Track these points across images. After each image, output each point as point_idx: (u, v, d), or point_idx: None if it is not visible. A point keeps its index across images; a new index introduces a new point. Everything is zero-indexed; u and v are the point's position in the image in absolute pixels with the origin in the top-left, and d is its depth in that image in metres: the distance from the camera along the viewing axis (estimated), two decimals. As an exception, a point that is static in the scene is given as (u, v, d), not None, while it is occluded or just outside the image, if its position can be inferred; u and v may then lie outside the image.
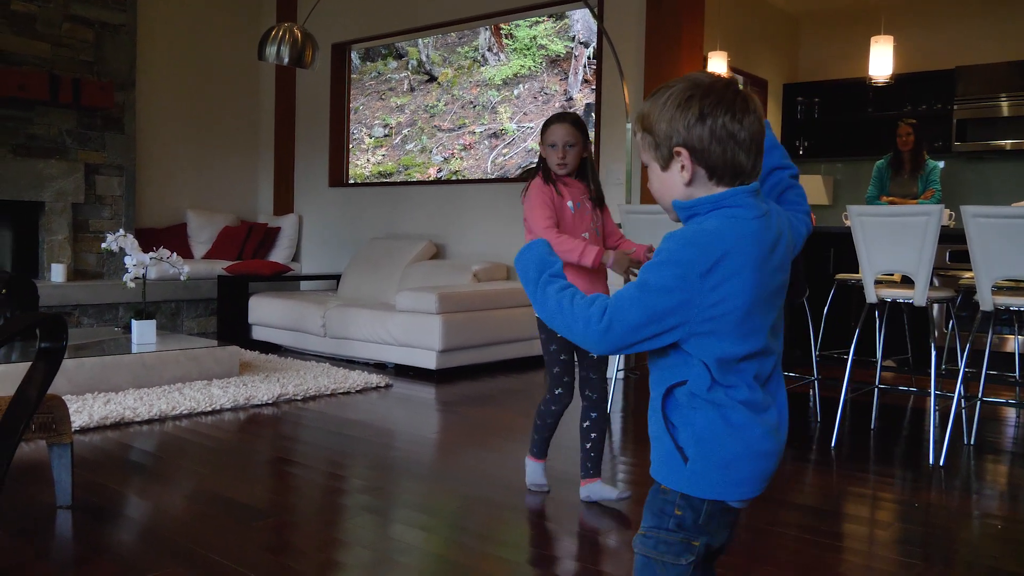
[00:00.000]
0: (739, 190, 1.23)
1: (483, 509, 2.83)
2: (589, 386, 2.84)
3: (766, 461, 1.26)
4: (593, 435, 2.83)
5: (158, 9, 7.12)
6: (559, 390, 2.82)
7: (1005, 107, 6.56)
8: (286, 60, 4.87)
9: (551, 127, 2.82)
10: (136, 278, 4.55)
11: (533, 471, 2.95)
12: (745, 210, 1.22)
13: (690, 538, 1.25)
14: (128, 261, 4.53)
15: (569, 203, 2.81)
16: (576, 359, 2.87)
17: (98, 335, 5.07)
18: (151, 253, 4.60)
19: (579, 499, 2.86)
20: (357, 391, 4.67)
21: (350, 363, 5.58)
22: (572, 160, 2.80)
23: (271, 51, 4.86)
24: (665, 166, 1.26)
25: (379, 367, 5.50)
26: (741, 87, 1.25)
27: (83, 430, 3.61)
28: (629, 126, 5.31)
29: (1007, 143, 6.57)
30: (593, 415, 2.83)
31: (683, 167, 1.23)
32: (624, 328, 1.17)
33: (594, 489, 2.82)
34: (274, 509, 2.74)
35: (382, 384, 4.83)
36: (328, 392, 4.56)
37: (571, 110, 6.40)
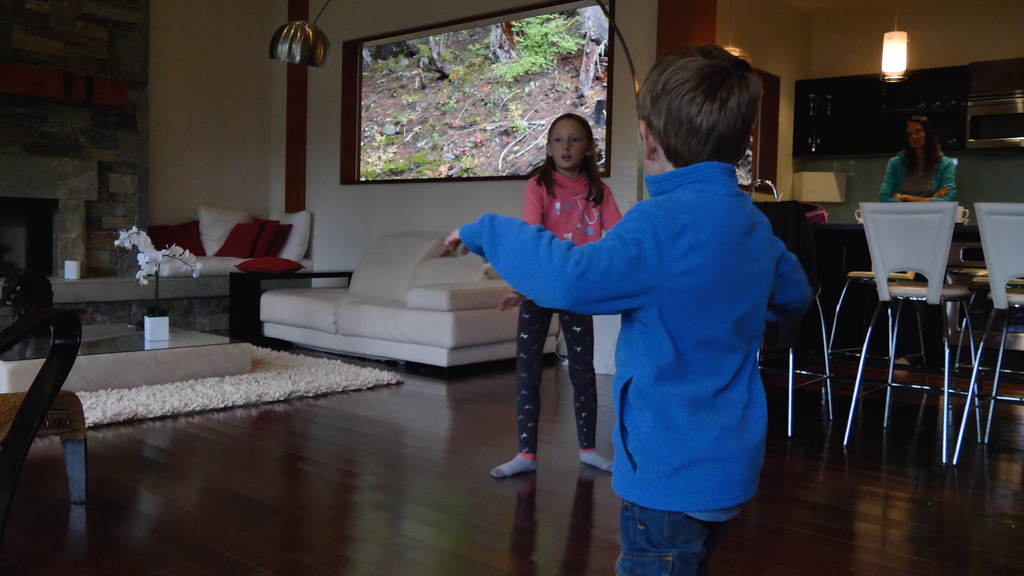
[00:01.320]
0: (711, 164, 1.16)
1: (495, 506, 2.83)
2: (576, 375, 3.16)
3: (726, 466, 1.16)
4: (584, 414, 3.20)
5: (171, 7, 7.15)
6: (523, 355, 3.08)
7: (1020, 103, 6.51)
8: (297, 58, 4.88)
9: (557, 123, 3.03)
10: (149, 275, 4.57)
11: (516, 464, 3.11)
12: (717, 185, 1.16)
13: (661, 554, 1.18)
14: (141, 258, 4.55)
15: (557, 204, 3.02)
16: (567, 348, 3.16)
17: (111, 332, 5.10)
18: (163, 250, 4.62)
19: (591, 497, 2.88)
20: (368, 388, 4.69)
21: (361, 360, 5.59)
22: (576, 154, 2.98)
23: (282, 49, 4.87)
24: (642, 136, 1.23)
25: (390, 364, 5.51)
26: (744, 75, 1.16)
27: (96, 426, 3.63)
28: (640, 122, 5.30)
29: (1022, 140, 6.52)
30: (582, 398, 3.18)
31: (645, 138, 1.22)
32: (599, 275, 1.07)
33: (588, 457, 3.22)
34: (286, 505, 2.75)
35: (393, 381, 4.84)
36: (339, 389, 4.57)
37: (581, 108, 6.40)
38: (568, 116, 3.01)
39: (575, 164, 2.99)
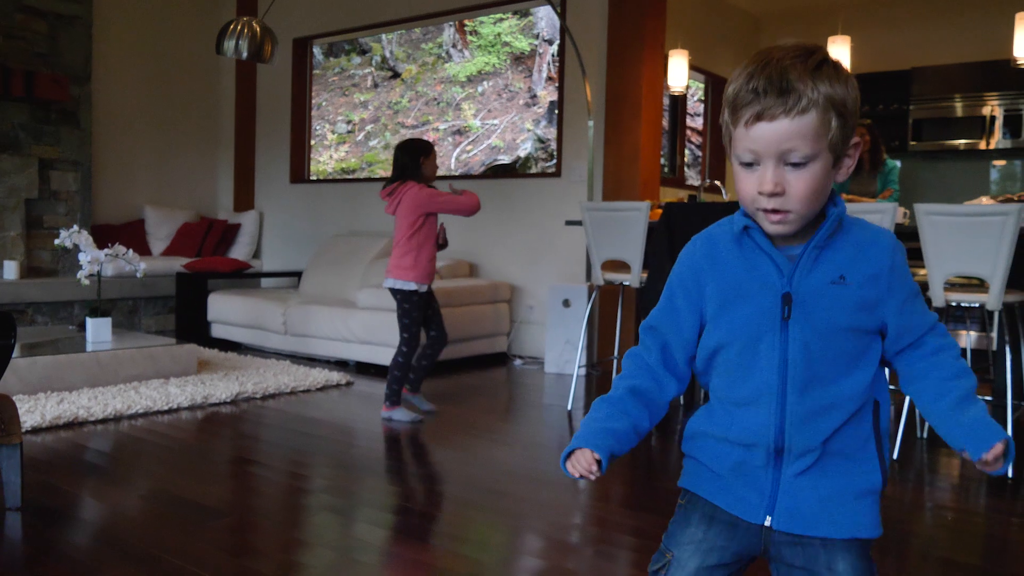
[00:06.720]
0: None
1: (447, 507, 2.82)
2: (432, 336, 4.03)
3: None
4: (423, 363, 3.98)
5: (115, 0, 6.98)
6: (415, 341, 3.90)
7: (959, 107, 6.69)
8: (244, 54, 4.80)
9: None
10: (91, 275, 4.46)
11: (403, 414, 3.89)
12: None
13: None
14: (82, 258, 4.44)
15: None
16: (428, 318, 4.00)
17: (52, 333, 4.97)
18: (106, 249, 4.52)
19: (544, 496, 2.88)
20: (318, 389, 4.63)
21: (311, 361, 5.53)
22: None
23: (229, 45, 4.80)
24: (838, 161, 1.07)
25: (340, 365, 5.46)
26: None
27: (35, 430, 3.53)
28: (591, 123, 5.33)
29: (961, 143, 6.70)
30: (429, 352, 3.99)
31: (852, 159, 1.08)
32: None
33: (413, 399, 4.03)
34: (233, 509, 2.70)
35: (343, 382, 4.79)
36: (288, 390, 4.51)
37: (534, 108, 6.40)
38: None
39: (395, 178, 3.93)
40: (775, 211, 1.04)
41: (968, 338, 4.69)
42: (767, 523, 1.12)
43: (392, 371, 3.93)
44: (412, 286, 3.85)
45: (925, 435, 3.75)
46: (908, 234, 4.03)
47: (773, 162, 1.03)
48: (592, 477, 1.11)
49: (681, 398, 4.44)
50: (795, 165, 1.02)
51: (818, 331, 1.08)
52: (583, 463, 1.11)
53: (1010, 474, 3.19)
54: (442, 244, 3.99)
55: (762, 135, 1.02)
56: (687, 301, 1.17)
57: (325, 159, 7.60)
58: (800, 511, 1.11)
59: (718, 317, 1.14)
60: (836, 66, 1.04)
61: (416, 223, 3.85)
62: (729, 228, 1.14)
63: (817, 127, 1.01)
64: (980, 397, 1.11)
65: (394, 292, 3.90)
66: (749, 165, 1.05)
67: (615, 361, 4.88)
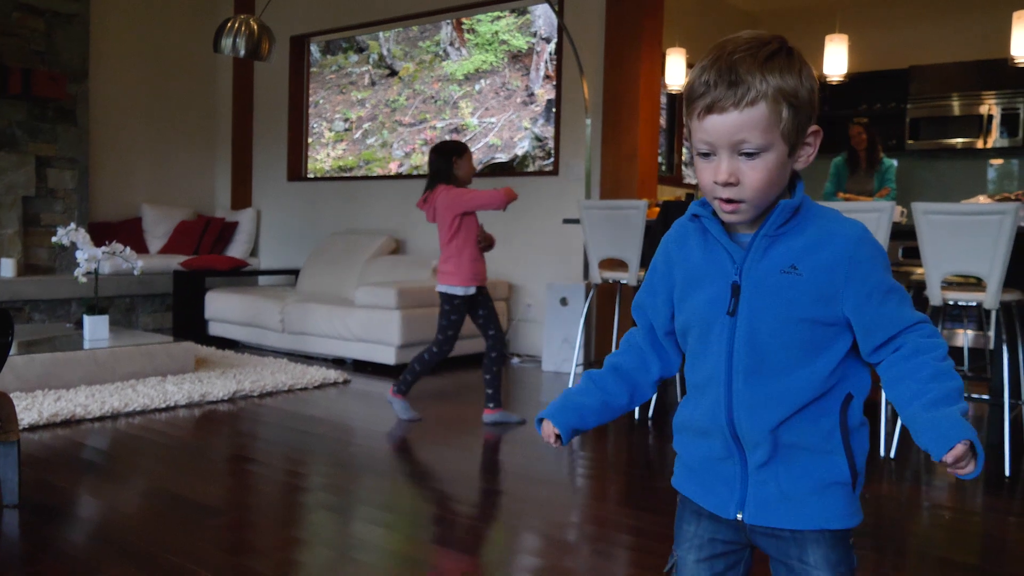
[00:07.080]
0: None
1: (445, 505, 2.82)
2: (491, 336, 3.84)
3: None
4: (494, 368, 3.83)
5: (112, -2, 6.97)
6: (447, 345, 3.81)
7: (956, 106, 6.70)
8: (242, 52, 4.80)
9: None
10: (88, 273, 4.46)
11: (403, 408, 3.87)
12: None
13: None
14: (80, 255, 4.44)
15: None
16: (482, 321, 3.86)
17: (49, 331, 4.96)
18: (103, 247, 4.51)
19: (542, 495, 2.88)
20: (315, 387, 4.63)
21: (308, 359, 5.53)
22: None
23: (226, 43, 4.79)
24: (794, 150, 1.08)
25: (338, 363, 5.46)
26: None
27: (32, 428, 3.53)
28: (589, 122, 5.33)
29: (958, 142, 6.71)
30: (494, 356, 3.82)
31: (811, 147, 1.09)
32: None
33: (498, 415, 3.85)
34: (231, 507, 2.70)
35: (340, 380, 4.79)
36: (285, 388, 4.51)
37: (531, 107, 6.40)
38: None
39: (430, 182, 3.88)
40: (729, 201, 1.06)
41: (965, 337, 4.70)
42: (739, 517, 1.13)
43: (414, 363, 3.86)
44: (458, 291, 3.74)
45: (922, 433, 3.75)
46: (905, 233, 4.04)
47: (727, 153, 1.05)
48: (554, 446, 1.22)
49: (678, 394, 4.44)
50: (749, 155, 1.04)
51: (766, 320, 1.08)
52: (545, 433, 1.23)
53: (1007, 472, 3.19)
54: (484, 245, 3.85)
55: (714, 127, 1.04)
56: (662, 284, 1.21)
57: (322, 157, 7.60)
58: (767, 504, 1.11)
59: (682, 302, 1.17)
60: (790, 56, 1.05)
61: (452, 226, 3.76)
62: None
63: (768, 118, 1.03)
64: (964, 400, 1.05)
65: (440, 295, 3.84)
66: (706, 155, 1.07)
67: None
